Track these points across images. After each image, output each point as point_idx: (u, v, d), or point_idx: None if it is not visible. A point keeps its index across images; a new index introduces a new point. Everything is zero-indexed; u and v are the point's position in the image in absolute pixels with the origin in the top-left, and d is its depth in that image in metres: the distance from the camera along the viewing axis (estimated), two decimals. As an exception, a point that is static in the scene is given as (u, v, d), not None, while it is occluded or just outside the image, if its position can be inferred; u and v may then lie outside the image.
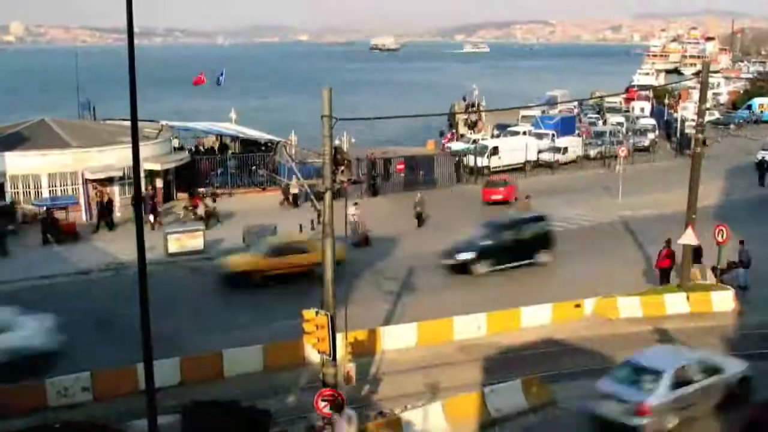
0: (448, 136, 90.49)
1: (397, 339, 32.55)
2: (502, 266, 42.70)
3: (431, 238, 49.12)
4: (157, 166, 57.17)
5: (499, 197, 59.26)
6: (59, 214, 50.05)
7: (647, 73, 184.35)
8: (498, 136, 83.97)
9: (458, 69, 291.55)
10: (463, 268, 42.54)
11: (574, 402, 26.24)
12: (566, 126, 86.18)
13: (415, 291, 39.78)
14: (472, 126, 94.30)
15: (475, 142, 78.85)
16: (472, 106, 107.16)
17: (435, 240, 48.26)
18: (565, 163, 75.81)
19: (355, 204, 49.96)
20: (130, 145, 20.52)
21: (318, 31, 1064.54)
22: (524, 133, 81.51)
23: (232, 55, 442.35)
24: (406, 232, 50.76)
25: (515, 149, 73.50)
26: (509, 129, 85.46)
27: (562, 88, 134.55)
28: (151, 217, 52.20)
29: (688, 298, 36.65)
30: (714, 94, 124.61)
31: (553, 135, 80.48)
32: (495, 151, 72.21)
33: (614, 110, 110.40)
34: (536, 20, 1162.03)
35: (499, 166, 71.26)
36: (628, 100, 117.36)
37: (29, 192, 53.71)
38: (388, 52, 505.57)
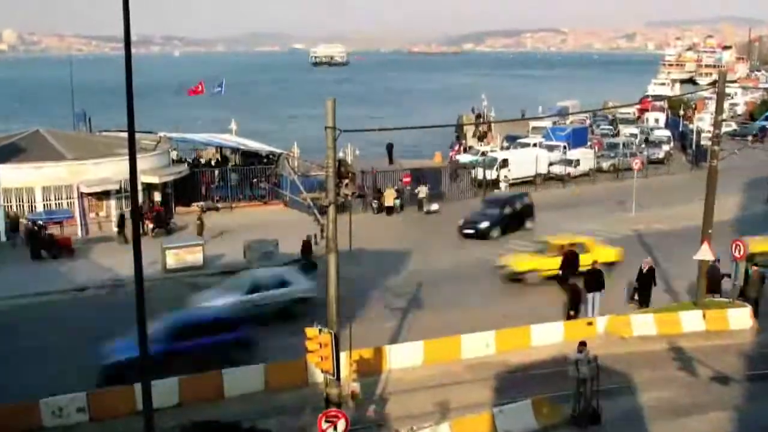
0: (456, 147, 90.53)
1: (404, 357, 32.50)
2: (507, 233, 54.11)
3: (439, 254, 49.24)
4: (155, 179, 57.13)
5: None
6: (54, 229, 50.18)
7: (662, 83, 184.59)
8: (508, 147, 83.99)
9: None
10: (481, 235, 53.56)
11: None
12: (578, 138, 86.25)
13: (423, 307, 39.76)
14: (482, 137, 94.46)
15: (483, 154, 78.83)
16: (480, 117, 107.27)
17: (442, 256, 48.37)
18: (577, 176, 75.76)
19: None
20: (127, 157, 20.59)
21: (318, 40, 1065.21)
22: (535, 145, 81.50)
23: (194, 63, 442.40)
24: (413, 247, 50.76)
25: (525, 162, 73.44)
26: (519, 141, 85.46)
27: (573, 98, 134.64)
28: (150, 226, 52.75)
29: (704, 315, 36.57)
30: (731, 104, 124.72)
31: (565, 147, 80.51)
32: (504, 163, 72.16)
33: (628, 121, 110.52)
34: (547, 28, 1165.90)
35: (509, 179, 71.22)
36: (642, 110, 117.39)
37: (23, 206, 53.78)
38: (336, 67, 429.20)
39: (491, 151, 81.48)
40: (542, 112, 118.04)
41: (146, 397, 20.88)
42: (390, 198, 62.11)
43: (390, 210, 61.93)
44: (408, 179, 65.02)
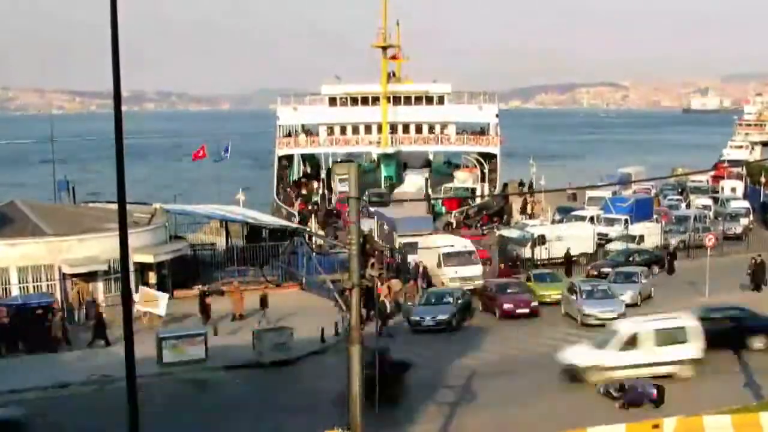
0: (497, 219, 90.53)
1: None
2: None
3: (493, 341, 49.18)
4: (149, 258, 57.21)
5: None
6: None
7: (740, 146, 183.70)
8: (561, 220, 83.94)
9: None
10: None
11: None
12: (642, 209, 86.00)
13: (468, 405, 39.53)
14: (523, 210, 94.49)
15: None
16: (522, 185, 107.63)
17: (496, 343, 48.34)
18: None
19: None
20: (117, 232, 20.73)
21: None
22: (592, 218, 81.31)
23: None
24: (465, 333, 50.67)
25: (578, 237, 73.15)
26: (574, 213, 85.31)
27: (637, 164, 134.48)
28: None
29: (791, 416, 36.19)
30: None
31: (627, 220, 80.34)
32: (542, 240, 71.69)
33: (700, 191, 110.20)
34: (606, 83, 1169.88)
35: (546, 259, 70.78)
36: (717, 178, 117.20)
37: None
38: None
39: (542, 223, 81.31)
40: (600, 180, 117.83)
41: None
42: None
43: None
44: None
